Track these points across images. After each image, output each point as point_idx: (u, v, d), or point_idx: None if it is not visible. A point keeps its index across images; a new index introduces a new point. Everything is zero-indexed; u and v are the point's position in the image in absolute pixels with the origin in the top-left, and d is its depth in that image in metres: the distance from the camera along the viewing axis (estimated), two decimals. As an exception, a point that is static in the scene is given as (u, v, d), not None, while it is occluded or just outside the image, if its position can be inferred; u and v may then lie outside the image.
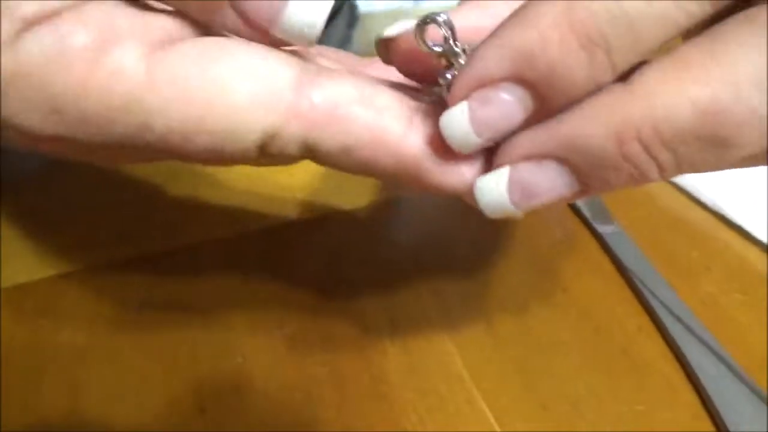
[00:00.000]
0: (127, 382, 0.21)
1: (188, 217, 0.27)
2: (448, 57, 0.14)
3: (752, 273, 0.25)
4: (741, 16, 0.12)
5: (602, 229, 0.27)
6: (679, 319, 0.23)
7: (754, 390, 0.20)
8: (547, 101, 0.13)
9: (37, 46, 0.12)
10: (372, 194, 0.29)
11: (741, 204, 0.27)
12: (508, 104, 0.13)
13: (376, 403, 0.20)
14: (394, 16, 0.26)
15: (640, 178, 0.13)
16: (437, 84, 0.14)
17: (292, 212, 0.27)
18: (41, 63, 0.12)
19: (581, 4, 0.12)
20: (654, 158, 0.12)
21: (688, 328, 0.22)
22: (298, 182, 0.29)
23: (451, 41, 0.14)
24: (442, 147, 0.14)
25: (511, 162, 0.14)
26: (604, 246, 0.26)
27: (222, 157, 0.14)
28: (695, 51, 0.12)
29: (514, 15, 0.13)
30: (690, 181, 0.28)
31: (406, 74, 0.16)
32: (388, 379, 0.21)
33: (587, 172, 0.13)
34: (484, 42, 0.13)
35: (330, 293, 0.24)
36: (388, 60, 0.16)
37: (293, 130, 0.14)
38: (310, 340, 0.22)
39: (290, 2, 0.13)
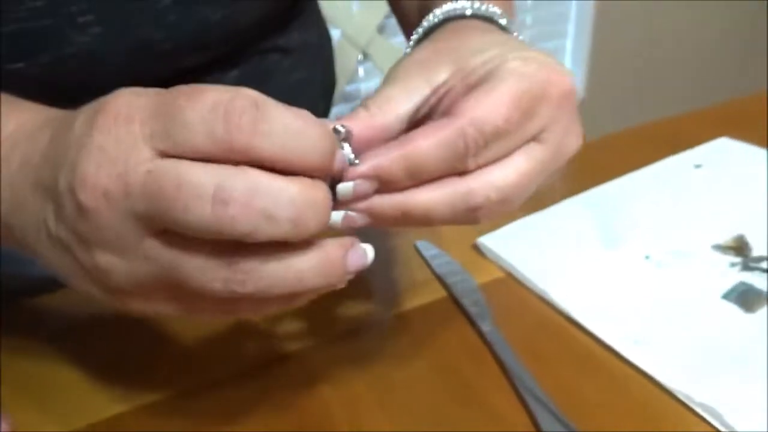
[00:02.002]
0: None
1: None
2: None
3: (591, 360, 0.34)
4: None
5: (489, 335, 0.36)
6: (538, 399, 0.32)
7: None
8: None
9: None
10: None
11: (587, 308, 0.37)
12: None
13: None
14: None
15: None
16: None
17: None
18: None
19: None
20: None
21: (542, 403, 0.31)
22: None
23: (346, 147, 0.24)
24: None
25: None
26: (484, 340, 0.35)
27: None
28: None
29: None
30: (552, 293, 0.38)
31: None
32: None
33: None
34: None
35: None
36: None
37: None
38: None
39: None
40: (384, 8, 1.32)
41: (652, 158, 0.52)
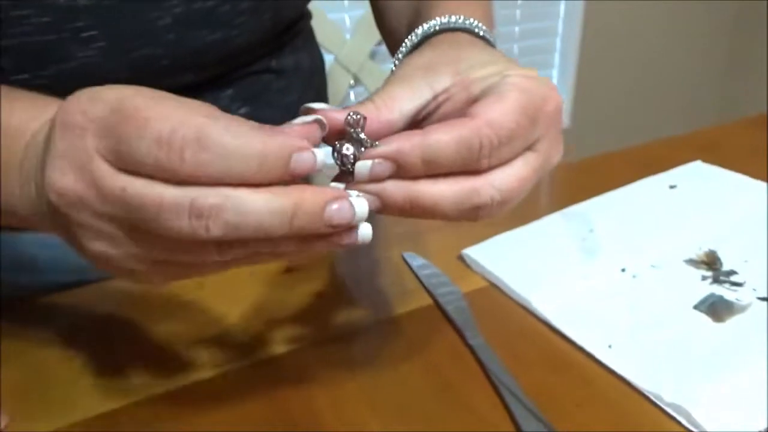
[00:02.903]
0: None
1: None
2: (360, 142, 0.26)
3: (569, 364, 0.36)
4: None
5: (473, 341, 0.38)
6: (518, 400, 0.33)
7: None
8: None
9: None
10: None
11: (566, 315, 0.39)
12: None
13: None
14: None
15: None
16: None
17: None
18: None
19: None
20: None
21: (522, 404, 0.33)
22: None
23: (361, 132, 0.26)
24: None
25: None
26: (468, 345, 0.37)
27: None
28: None
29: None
30: (533, 302, 0.40)
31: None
32: None
33: None
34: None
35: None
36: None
37: None
38: None
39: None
40: (375, 36, 1.36)
41: (630, 179, 0.55)
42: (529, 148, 0.28)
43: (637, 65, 2.00)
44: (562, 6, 1.77)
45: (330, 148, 0.26)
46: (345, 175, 0.26)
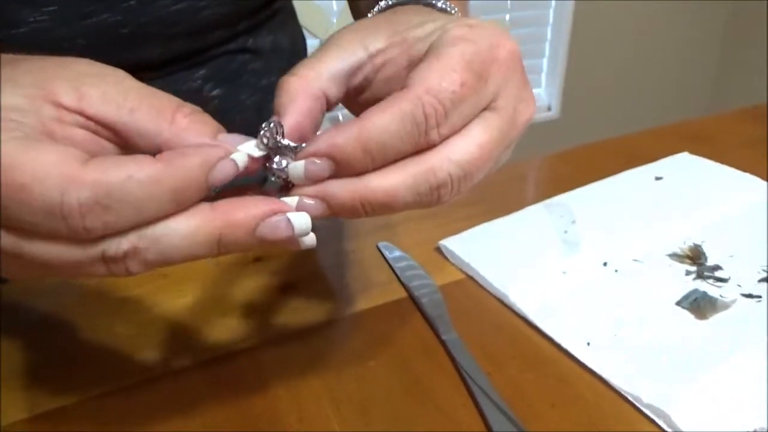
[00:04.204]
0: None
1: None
2: (290, 149, 0.23)
3: (545, 361, 0.34)
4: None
5: (445, 336, 0.36)
6: (490, 399, 0.31)
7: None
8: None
9: None
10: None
11: (544, 310, 0.37)
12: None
13: None
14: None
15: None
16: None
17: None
18: None
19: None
20: None
21: (494, 404, 0.31)
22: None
23: (282, 139, 0.23)
24: None
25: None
26: (441, 340, 0.35)
27: None
28: None
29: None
30: (510, 296, 0.38)
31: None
32: None
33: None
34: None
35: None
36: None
37: None
38: None
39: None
40: (363, 20, 1.33)
41: (615, 170, 0.53)
42: (486, 107, 0.24)
43: (629, 55, 1.98)
44: (554, -6, 1.75)
45: (253, 141, 0.24)
46: (290, 189, 0.24)
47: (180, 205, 0.21)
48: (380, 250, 0.44)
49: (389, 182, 0.23)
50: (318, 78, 0.25)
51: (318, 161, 0.23)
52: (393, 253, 0.44)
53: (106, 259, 0.20)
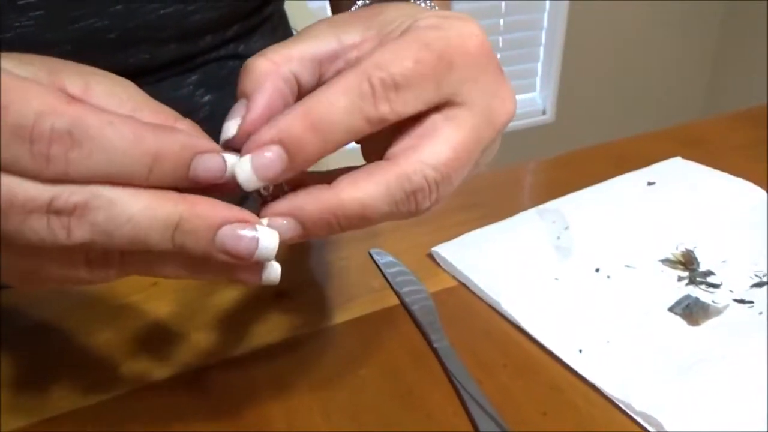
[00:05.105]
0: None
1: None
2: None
3: (537, 369, 0.34)
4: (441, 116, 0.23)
5: (437, 344, 0.36)
6: (481, 407, 0.31)
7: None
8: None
9: None
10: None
11: (536, 317, 0.37)
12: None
13: None
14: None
15: None
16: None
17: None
18: None
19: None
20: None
21: (485, 411, 0.31)
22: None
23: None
24: None
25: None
26: (432, 348, 0.35)
27: None
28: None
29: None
30: (502, 303, 0.38)
31: None
32: None
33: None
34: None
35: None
36: None
37: None
38: None
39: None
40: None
41: (609, 175, 0.53)
42: (455, 103, 0.23)
43: (624, 59, 1.99)
44: (548, -1, 1.75)
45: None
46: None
47: (151, 176, 0.20)
48: (372, 257, 0.44)
49: (362, 192, 0.22)
50: (288, 61, 0.24)
51: (267, 153, 0.21)
52: (384, 259, 0.43)
53: (50, 209, 0.19)
